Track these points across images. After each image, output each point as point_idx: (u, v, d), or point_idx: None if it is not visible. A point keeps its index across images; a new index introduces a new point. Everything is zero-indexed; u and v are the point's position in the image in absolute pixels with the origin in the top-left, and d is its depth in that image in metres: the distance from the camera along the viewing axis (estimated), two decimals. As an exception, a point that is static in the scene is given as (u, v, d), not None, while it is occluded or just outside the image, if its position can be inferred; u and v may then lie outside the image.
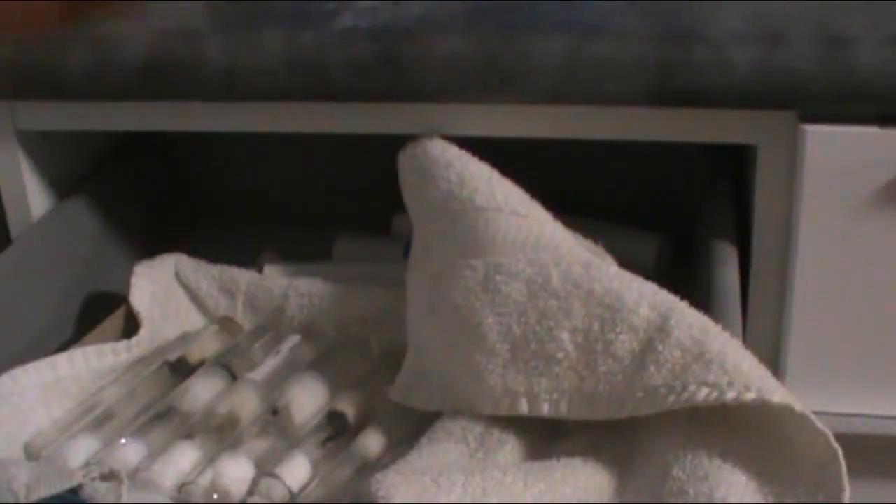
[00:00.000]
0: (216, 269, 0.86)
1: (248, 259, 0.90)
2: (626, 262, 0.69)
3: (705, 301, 0.69)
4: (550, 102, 0.77)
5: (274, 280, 0.85)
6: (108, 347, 0.77)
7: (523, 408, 0.62)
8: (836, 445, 0.53)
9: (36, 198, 0.89)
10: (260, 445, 0.68)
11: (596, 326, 0.60)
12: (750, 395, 0.54)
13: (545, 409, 0.61)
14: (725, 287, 0.73)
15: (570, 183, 0.92)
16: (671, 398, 0.56)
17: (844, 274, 0.77)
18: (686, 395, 0.55)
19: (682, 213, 0.94)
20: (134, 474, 0.65)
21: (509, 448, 0.62)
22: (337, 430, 0.69)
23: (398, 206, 0.79)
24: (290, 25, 0.79)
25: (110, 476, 0.60)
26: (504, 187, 0.70)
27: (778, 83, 0.73)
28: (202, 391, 0.74)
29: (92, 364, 0.76)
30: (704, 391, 0.55)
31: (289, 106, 0.80)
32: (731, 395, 0.54)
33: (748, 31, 0.75)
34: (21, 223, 0.88)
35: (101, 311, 0.84)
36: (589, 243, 0.71)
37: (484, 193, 0.69)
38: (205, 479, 0.65)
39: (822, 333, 0.79)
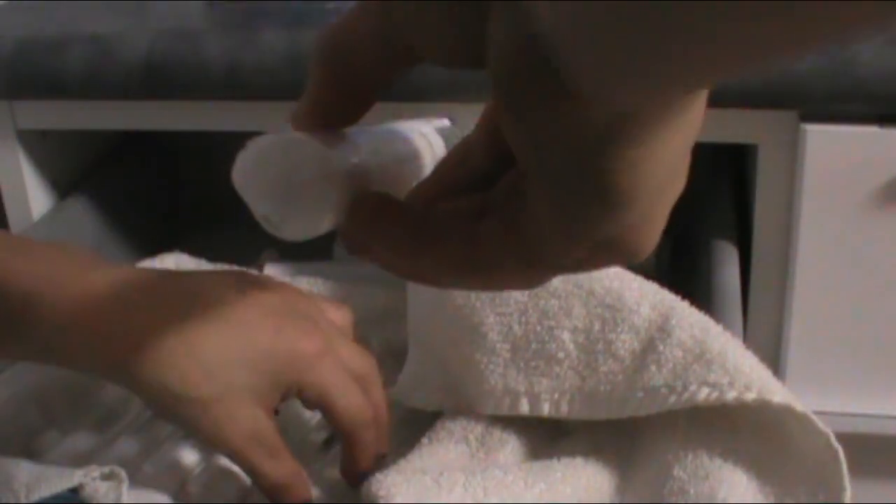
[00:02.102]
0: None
1: (249, 258, 0.90)
2: (626, 262, 0.69)
3: (705, 301, 0.69)
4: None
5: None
6: (108, 347, 0.77)
7: (524, 408, 0.62)
8: (837, 446, 0.53)
9: (36, 197, 0.89)
10: (260, 445, 0.68)
11: (597, 326, 0.60)
12: (751, 395, 0.54)
13: (546, 409, 0.61)
14: (725, 287, 0.73)
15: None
16: (672, 398, 0.56)
17: (844, 274, 0.77)
18: (687, 394, 0.55)
19: (683, 213, 0.94)
20: (134, 474, 0.65)
21: (510, 448, 0.61)
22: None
23: (398, 205, 0.79)
24: (290, 25, 0.79)
25: (110, 476, 0.60)
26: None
27: (778, 83, 0.73)
28: (202, 391, 0.74)
29: (92, 364, 0.76)
30: (705, 391, 0.55)
31: (289, 105, 0.80)
32: (731, 395, 0.54)
33: (748, 31, 0.75)
34: (21, 223, 0.88)
35: (101, 310, 0.84)
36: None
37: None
38: (205, 479, 0.65)
39: (822, 333, 0.79)
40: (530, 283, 0.36)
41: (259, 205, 0.37)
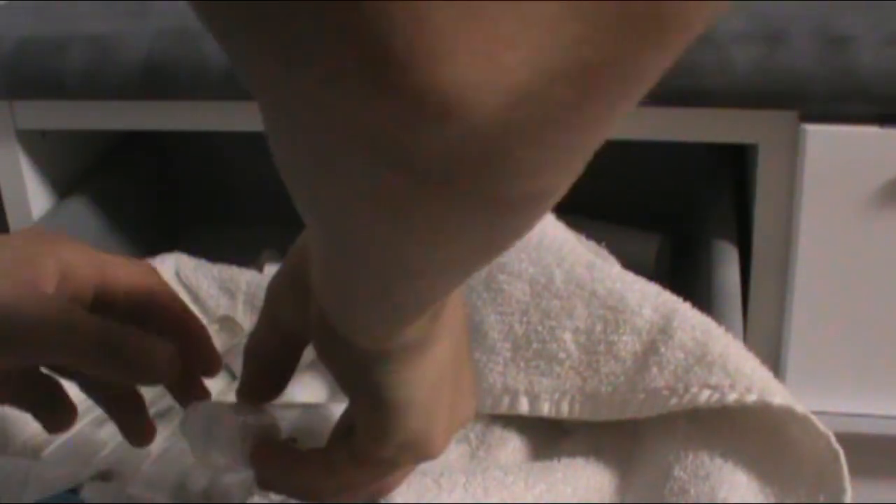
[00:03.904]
0: (216, 269, 0.86)
1: (249, 258, 0.90)
2: (625, 262, 0.69)
3: (705, 301, 0.69)
4: (551, 102, 0.77)
5: (274, 280, 0.85)
6: (108, 347, 0.77)
7: (523, 407, 0.62)
8: (837, 447, 0.53)
9: (36, 198, 0.89)
10: (260, 445, 0.68)
11: (599, 327, 0.60)
12: (751, 398, 0.54)
13: (546, 409, 0.61)
14: (725, 287, 0.73)
15: (569, 183, 0.91)
16: (673, 400, 0.56)
17: (844, 274, 0.77)
18: (688, 397, 0.55)
19: (682, 213, 0.94)
20: (134, 474, 0.65)
21: (511, 446, 0.61)
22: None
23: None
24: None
25: (110, 476, 0.60)
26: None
27: (778, 83, 0.73)
28: (202, 391, 0.74)
29: (92, 364, 0.76)
30: (706, 393, 0.55)
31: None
32: (732, 397, 0.54)
33: (748, 30, 0.75)
34: (21, 223, 0.88)
35: (101, 310, 0.84)
36: (591, 244, 0.70)
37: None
38: (205, 479, 0.65)
39: (822, 333, 0.79)
40: (367, 483, 0.49)
41: (194, 450, 0.52)
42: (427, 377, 0.44)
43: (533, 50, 0.23)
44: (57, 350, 0.49)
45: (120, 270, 0.55)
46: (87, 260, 0.54)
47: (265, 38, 0.24)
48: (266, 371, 0.52)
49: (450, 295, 0.41)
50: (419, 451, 0.46)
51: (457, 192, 0.27)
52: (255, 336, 0.51)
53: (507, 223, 0.31)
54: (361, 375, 0.43)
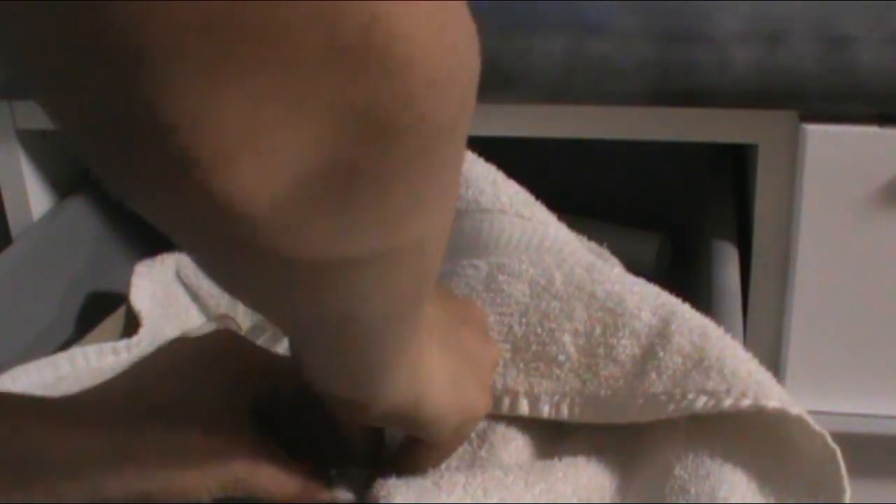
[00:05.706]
0: (216, 269, 0.86)
1: (249, 259, 0.90)
2: (626, 262, 0.69)
3: (705, 301, 0.70)
4: (550, 102, 0.77)
5: (274, 279, 0.85)
6: (108, 347, 0.77)
7: (524, 408, 0.62)
8: (833, 446, 0.53)
9: (36, 198, 0.89)
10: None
11: (598, 330, 0.60)
12: (747, 402, 0.54)
13: (546, 411, 0.61)
14: (725, 287, 0.73)
15: (570, 183, 0.92)
16: (671, 406, 0.56)
17: (844, 274, 0.78)
18: (685, 403, 0.55)
19: (682, 213, 0.94)
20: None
21: (514, 446, 0.61)
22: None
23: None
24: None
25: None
26: (509, 189, 0.70)
27: (778, 83, 0.73)
28: (202, 391, 0.74)
29: (92, 364, 0.76)
30: (703, 399, 0.55)
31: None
32: (728, 402, 0.54)
33: (748, 31, 0.75)
34: (21, 223, 0.88)
35: (102, 310, 0.84)
36: (593, 245, 0.71)
37: (489, 195, 0.69)
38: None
39: (822, 333, 0.79)
40: (454, 448, 0.58)
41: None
42: (436, 388, 0.50)
43: (293, 155, 0.29)
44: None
45: (287, 368, 0.56)
46: (264, 362, 0.56)
47: (100, 146, 0.29)
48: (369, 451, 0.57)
49: (403, 347, 0.45)
50: (473, 423, 0.56)
51: (276, 261, 0.32)
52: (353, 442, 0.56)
53: (373, 281, 0.36)
54: (385, 422, 0.52)
